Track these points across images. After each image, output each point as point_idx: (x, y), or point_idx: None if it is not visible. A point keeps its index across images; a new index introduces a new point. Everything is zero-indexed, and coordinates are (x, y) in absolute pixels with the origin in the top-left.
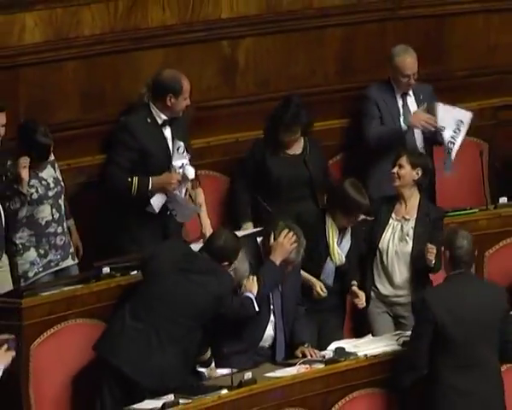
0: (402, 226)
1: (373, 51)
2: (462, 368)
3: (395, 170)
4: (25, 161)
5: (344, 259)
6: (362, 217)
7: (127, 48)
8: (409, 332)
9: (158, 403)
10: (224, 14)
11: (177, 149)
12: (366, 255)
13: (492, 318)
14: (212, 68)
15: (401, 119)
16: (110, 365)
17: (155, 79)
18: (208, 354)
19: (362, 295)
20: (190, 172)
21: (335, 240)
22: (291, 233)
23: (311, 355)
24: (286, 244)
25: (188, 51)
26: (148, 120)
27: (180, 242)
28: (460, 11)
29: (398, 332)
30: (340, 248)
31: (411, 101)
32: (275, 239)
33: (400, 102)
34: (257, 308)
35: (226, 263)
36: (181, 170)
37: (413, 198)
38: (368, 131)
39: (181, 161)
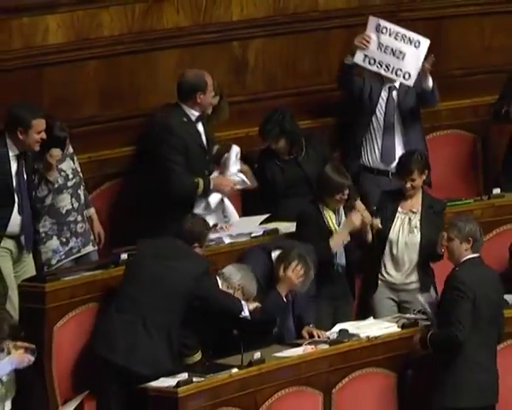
0: (410, 219)
1: None
2: (484, 346)
3: (408, 185)
4: (56, 152)
5: (349, 237)
6: (346, 195)
7: (144, 48)
8: (408, 315)
9: (173, 381)
10: (234, 17)
11: (236, 156)
12: (375, 246)
13: (501, 299)
14: (223, 67)
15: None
16: (106, 360)
17: (181, 81)
18: (199, 356)
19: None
20: (252, 182)
21: (335, 222)
22: (299, 267)
23: (318, 335)
24: (293, 278)
25: (201, 52)
26: (185, 119)
27: (152, 239)
28: (456, 14)
29: (397, 315)
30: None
31: (395, 94)
32: (285, 270)
33: (384, 94)
34: (246, 313)
35: (196, 244)
36: (237, 175)
37: (417, 193)
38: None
39: (236, 167)
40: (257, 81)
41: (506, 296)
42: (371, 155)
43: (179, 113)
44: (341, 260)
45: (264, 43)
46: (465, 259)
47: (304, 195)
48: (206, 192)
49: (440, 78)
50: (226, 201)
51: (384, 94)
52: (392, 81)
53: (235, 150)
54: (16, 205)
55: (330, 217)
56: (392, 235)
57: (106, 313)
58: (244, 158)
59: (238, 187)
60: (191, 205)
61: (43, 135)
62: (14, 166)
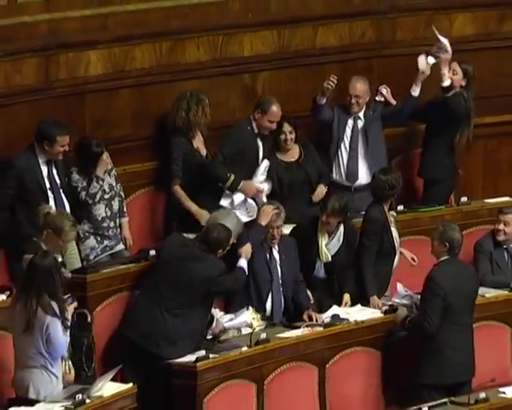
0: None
1: None
2: (454, 331)
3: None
4: (107, 155)
5: (329, 258)
6: (325, 219)
7: (169, 79)
8: (390, 302)
9: (192, 357)
10: (245, 53)
11: (264, 168)
12: (386, 255)
13: (474, 291)
14: (236, 95)
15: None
16: (128, 337)
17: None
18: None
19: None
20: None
21: (324, 242)
22: (272, 204)
23: (316, 319)
24: (268, 209)
25: (217, 82)
26: (249, 128)
27: (179, 236)
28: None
29: (382, 301)
30: (328, 249)
31: (360, 123)
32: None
33: (351, 122)
34: (246, 272)
35: (220, 251)
36: (261, 184)
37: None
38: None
39: (263, 177)
40: None
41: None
42: (339, 173)
43: (247, 123)
44: (320, 274)
45: (271, 75)
46: (442, 259)
47: (305, 194)
48: (234, 188)
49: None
50: (249, 200)
51: (350, 123)
52: (357, 112)
53: (265, 163)
54: (52, 202)
55: (321, 237)
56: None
57: (134, 298)
58: None
59: (260, 195)
60: (218, 197)
61: (67, 148)
62: (44, 171)
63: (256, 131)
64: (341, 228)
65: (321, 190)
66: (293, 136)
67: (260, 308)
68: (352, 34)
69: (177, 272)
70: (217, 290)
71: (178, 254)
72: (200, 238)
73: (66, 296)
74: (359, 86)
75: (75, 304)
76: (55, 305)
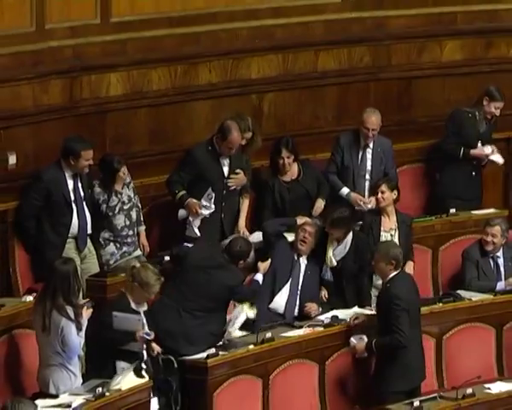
0: (391, 236)
1: (360, 103)
2: (413, 339)
3: (378, 196)
4: (124, 171)
5: (334, 263)
6: (328, 229)
7: (183, 99)
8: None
9: (204, 354)
10: (253, 76)
11: (207, 194)
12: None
13: (418, 300)
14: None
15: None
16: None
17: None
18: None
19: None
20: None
21: (331, 248)
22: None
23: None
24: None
25: (227, 102)
26: (210, 148)
27: (204, 244)
28: (422, 75)
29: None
30: (334, 254)
31: (369, 153)
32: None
33: (360, 153)
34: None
35: (242, 262)
36: (204, 209)
37: (392, 212)
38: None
39: (205, 202)
40: (270, 125)
41: (459, 291)
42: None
43: (209, 144)
44: (326, 276)
45: (276, 96)
46: (392, 275)
47: (307, 209)
48: (181, 204)
49: (410, 123)
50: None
51: (360, 154)
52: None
53: (209, 191)
54: (75, 213)
55: (329, 244)
56: None
57: (159, 298)
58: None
59: (197, 217)
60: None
61: (91, 162)
62: (70, 184)
63: (218, 151)
64: (349, 236)
65: (319, 205)
66: (291, 160)
67: (267, 299)
68: (350, 59)
69: (202, 278)
70: (235, 299)
71: (204, 262)
72: (225, 249)
73: (86, 300)
74: (375, 119)
75: (91, 310)
76: (69, 309)
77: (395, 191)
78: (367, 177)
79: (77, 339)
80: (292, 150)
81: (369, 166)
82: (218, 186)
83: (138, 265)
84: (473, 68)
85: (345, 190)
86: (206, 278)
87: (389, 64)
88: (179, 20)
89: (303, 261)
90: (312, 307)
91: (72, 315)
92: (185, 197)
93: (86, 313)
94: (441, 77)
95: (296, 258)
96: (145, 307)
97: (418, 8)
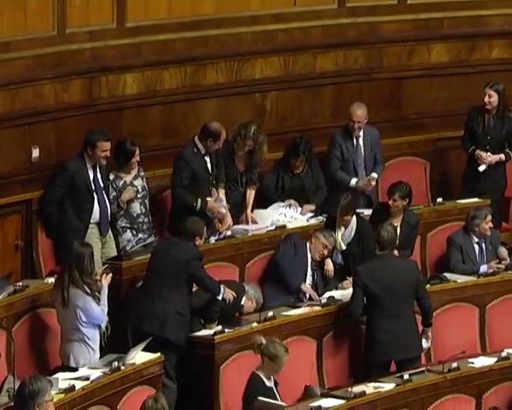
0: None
1: (354, 101)
2: (386, 316)
3: (391, 203)
4: (127, 194)
5: (344, 247)
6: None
7: (193, 98)
8: None
9: (210, 332)
10: (256, 76)
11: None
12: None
13: (409, 283)
14: (249, 112)
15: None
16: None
17: (204, 125)
18: (215, 325)
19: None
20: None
21: (340, 234)
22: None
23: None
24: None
25: (233, 101)
26: (195, 151)
27: (165, 238)
28: (412, 76)
29: None
30: (343, 238)
31: (361, 141)
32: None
33: (354, 143)
34: (220, 297)
35: (197, 238)
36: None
37: (400, 211)
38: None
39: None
40: (272, 122)
41: (445, 274)
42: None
43: (192, 145)
44: (337, 259)
45: (278, 95)
46: (379, 254)
47: (301, 202)
48: (204, 210)
49: (401, 120)
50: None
51: (354, 144)
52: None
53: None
54: (96, 201)
55: (338, 230)
56: None
57: (135, 291)
58: (262, 175)
59: (222, 210)
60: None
61: (108, 153)
62: (91, 174)
63: (203, 152)
64: (354, 220)
65: (308, 208)
66: (304, 161)
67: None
68: (346, 61)
69: (160, 260)
70: (194, 273)
71: (161, 246)
72: (179, 230)
73: (104, 267)
74: (360, 113)
75: (110, 275)
76: (85, 285)
77: (406, 199)
78: (361, 163)
79: (98, 308)
80: (308, 154)
81: (362, 154)
82: (205, 183)
83: (265, 341)
84: (458, 69)
85: (353, 181)
86: (163, 258)
87: (381, 66)
88: (189, 25)
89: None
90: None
91: (88, 290)
92: (203, 203)
93: (106, 280)
94: (429, 77)
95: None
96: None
97: (408, 14)
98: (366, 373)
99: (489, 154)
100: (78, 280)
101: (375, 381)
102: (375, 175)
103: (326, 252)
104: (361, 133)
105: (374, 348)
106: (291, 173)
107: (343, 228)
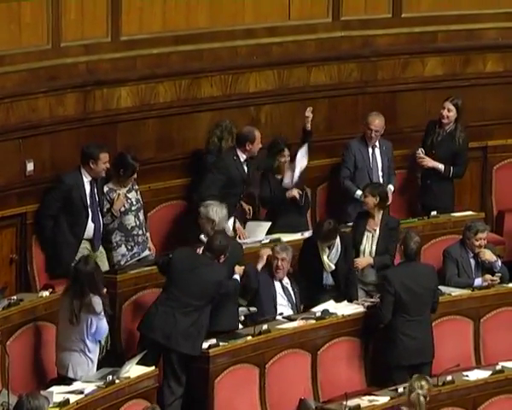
0: (372, 236)
1: (349, 115)
2: (410, 321)
3: (362, 198)
4: (119, 202)
5: (333, 267)
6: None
7: (187, 111)
8: (372, 299)
9: (206, 345)
10: (251, 89)
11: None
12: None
13: (429, 287)
14: (243, 125)
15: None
16: (147, 337)
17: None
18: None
19: None
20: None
21: (325, 255)
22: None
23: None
24: (262, 252)
25: (227, 114)
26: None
27: (184, 248)
28: (406, 89)
29: (363, 299)
30: (330, 259)
31: (377, 151)
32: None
33: (370, 152)
34: (238, 280)
35: (222, 256)
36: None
37: (378, 214)
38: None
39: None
40: (266, 134)
41: (440, 287)
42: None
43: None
44: (328, 281)
45: (272, 108)
46: (405, 261)
47: (291, 210)
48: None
49: (395, 133)
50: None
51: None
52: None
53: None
54: (90, 217)
55: (322, 252)
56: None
57: (154, 303)
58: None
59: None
60: None
61: (108, 165)
62: (87, 189)
63: (245, 156)
64: (338, 239)
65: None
66: (288, 159)
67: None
68: (340, 74)
69: (189, 279)
70: (222, 293)
71: (188, 263)
72: (205, 247)
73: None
74: (378, 122)
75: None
76: (98, 299)
77: (377, 197)
78: (380, 173)
79: (106, 325)
80: (289, 150)
81: (379, 163)
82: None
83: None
84: (452, 83)
85: (359, 193)
86: (193, 278)
87: (376, 79)
88: (184, 38)
89: (286, 282)
90: None
91: (99, 306)
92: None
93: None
94: (423, 91)
95: (281, 285)
96: None
97: (402, 28)
98: (387, 377)
99: (428, 159)
100: (89, 305)
101: (370, 394)
102: (391, 187)
103: (285, 264)
104: (377, 143)
105: (396, 351)
106: (280, 181)
107: (327, 249)
